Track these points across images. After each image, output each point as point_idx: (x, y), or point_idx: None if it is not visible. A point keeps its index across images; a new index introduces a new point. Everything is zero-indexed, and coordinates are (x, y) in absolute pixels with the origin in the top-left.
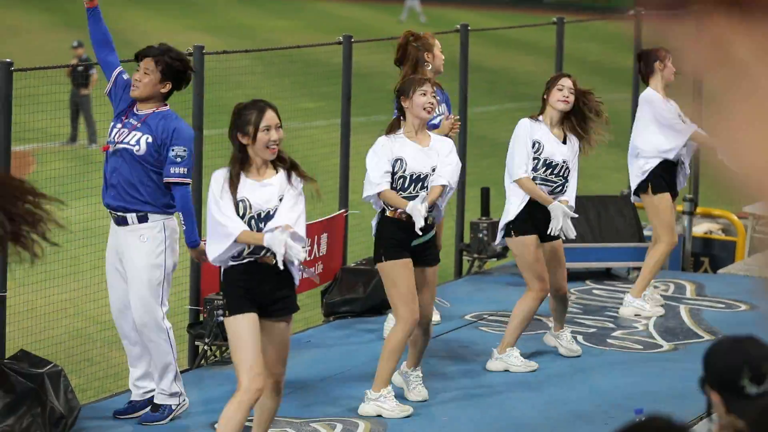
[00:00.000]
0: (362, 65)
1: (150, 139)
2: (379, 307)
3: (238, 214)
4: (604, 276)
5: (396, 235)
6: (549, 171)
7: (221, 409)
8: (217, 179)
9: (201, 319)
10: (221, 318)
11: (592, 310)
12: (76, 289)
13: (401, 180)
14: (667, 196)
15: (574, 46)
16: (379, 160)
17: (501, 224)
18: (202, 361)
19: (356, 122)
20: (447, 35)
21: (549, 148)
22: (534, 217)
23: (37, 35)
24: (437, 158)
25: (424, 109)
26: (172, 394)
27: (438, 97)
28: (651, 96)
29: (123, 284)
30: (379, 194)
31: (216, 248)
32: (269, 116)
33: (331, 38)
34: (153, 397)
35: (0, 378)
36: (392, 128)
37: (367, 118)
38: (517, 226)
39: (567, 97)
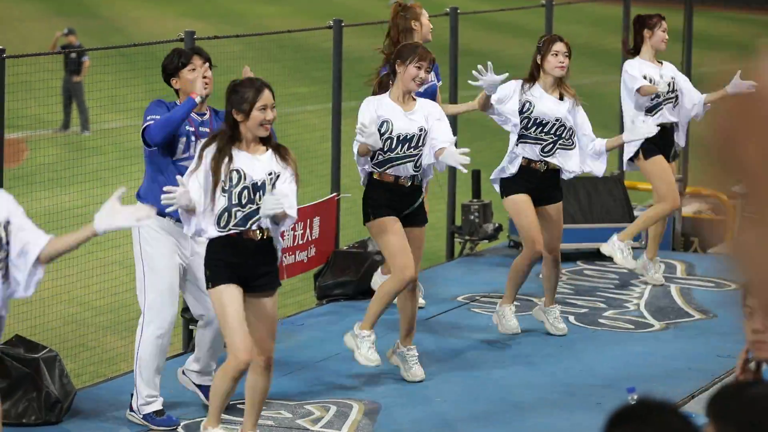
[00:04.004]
0: (353, 49)
1: None
2: (372, 289)
3: (231, 184)
4: (595, 256)
5: (383, 197)
6: (539, 129)
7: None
8: (206, 155)
9: None
10: None
11: (583, 290)
12: (69, 275)
13: (388, 141)
14: (660, 158)
15: (562, 28)
16: (362, 120)
17: (494, 175)
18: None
19: (347, 107)
20: (436, 19)
21: (540, 106)
22: (527, 180)
23: (28, 23)
24: (424, 120)
25: (414, 80)
26: None
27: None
28: (624, 68)
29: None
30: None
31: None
32: (266, 96)
33: (321, 23)
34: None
35: None
36: (381, 84)
37: (358, 102)
38: (507, 188)
39: (562, 62)
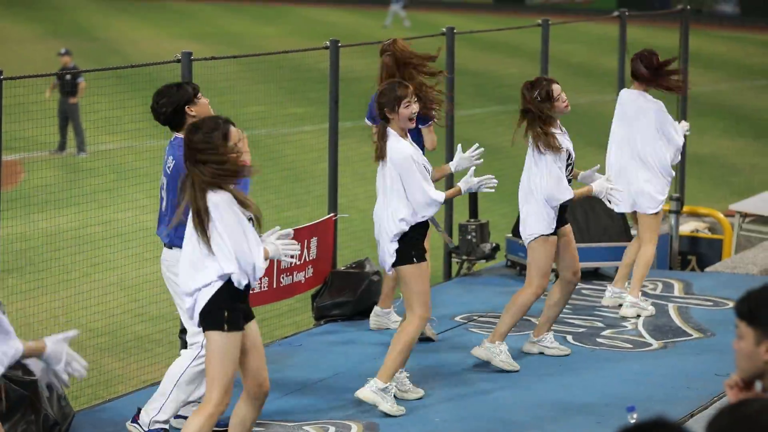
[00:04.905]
0: (349, 70)
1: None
2: (369, 310)
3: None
4: (593, 276)
5: (422, 236)
6: (572, 166)
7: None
8: (226, 202)
9: None
10: None
11: (581, 309)
12: (67, 297)
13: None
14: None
15: (558, 47)
16: (422, 175)
17: (533, 230)
18: None
19: (344, 127)
20: (433, 39)
21: (570, 148)
22: (559, 217)
23: (25, 45)
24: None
25: (410, 119)
26: None
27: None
28: (655, 104)
29: None
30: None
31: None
32: (234, 134)
33: (317, 44)
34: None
35: None
36: (384, 136)
37: (355, 122)
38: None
39: (566, 99)
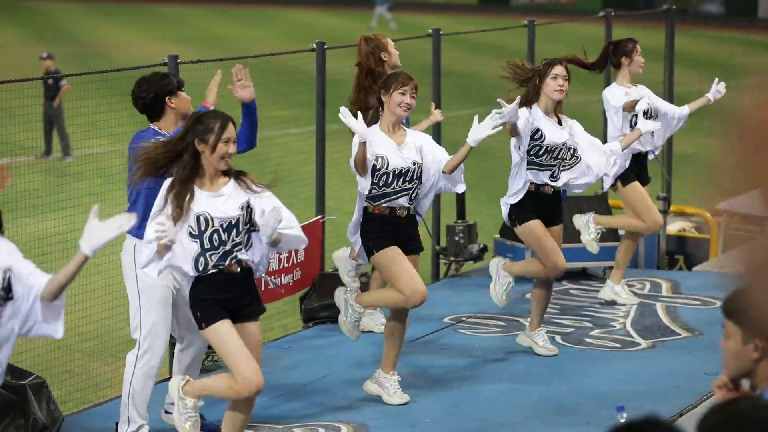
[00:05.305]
0: (335, 72)
1: None
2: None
3: (200, 230)
4: (581, 276)
5: (381, 229)
6: (549, 156)
7: (206, 416)
8: (164, 185)
9: None
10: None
11: (569, 309)
12: None
13: (384, 176)
14: (637, 184)
15: (543, 48)
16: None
17: (504, 207)
18: None
19: (331, 129)
20: (419, 40)
21: (549, 134)
22: (536, 206)
23: (8, 49)
24: (416, 154)
25: (399, 106)
26: None
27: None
28: (605, 94)
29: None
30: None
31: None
32: (231, 129)
33: (303, 46)
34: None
35: None
36: (371, 120)
37: (341, 124)
38: (518, 215)
39: (562, 86)
